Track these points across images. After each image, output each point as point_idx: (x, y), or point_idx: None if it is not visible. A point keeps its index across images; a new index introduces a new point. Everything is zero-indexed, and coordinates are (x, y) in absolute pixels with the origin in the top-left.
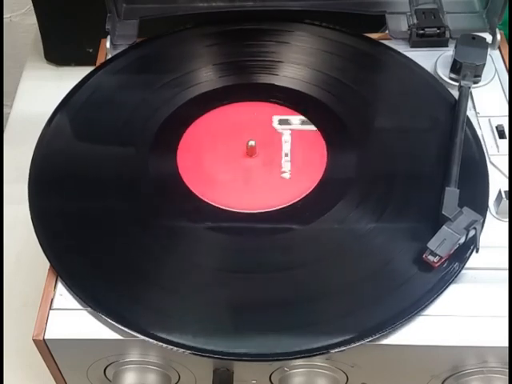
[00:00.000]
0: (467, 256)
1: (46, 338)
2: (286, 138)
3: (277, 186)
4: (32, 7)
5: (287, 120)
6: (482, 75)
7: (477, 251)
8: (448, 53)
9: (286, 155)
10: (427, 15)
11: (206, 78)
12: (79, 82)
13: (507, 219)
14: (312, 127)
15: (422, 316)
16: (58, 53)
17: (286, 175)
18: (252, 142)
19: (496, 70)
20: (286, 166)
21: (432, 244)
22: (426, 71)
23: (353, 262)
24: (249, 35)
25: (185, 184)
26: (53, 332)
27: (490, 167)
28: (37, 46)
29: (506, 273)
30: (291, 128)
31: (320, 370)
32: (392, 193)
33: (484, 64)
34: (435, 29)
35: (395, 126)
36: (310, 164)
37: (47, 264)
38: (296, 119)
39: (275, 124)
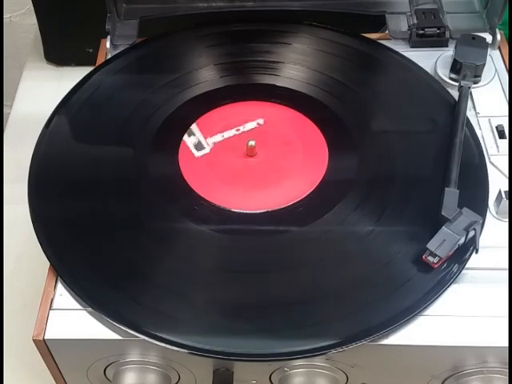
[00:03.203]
0: (467, 257)
1: (45, 338)
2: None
3: (277, 186)
4: (32, 7)
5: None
6: (482, 75)
7: (476, 252)
8: (448, 53)
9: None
10: (427, 15)
11: (206, 78)
12: (79, 82)
13: (507, 219)
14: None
15: (422, 316)
16: (57, 53)
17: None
18: (252, 142)
19: (496, 70)
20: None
21: (431, 245)
22: (426, 71)
23: (353, 263)
24: (249, 35)
25: (186, 183)
26: (53, 332)
27: (489, 167)
28: (37, 46)
29: (506, 273)
30: None
31: (320, 370)
32: (392, 193)
33: (484, 64)
34: (435, 29)
35: (395, 126)
36: (311, 165)
37: (47, 264)
38: None
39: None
